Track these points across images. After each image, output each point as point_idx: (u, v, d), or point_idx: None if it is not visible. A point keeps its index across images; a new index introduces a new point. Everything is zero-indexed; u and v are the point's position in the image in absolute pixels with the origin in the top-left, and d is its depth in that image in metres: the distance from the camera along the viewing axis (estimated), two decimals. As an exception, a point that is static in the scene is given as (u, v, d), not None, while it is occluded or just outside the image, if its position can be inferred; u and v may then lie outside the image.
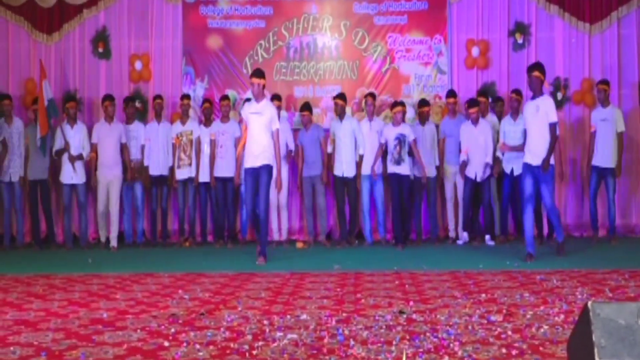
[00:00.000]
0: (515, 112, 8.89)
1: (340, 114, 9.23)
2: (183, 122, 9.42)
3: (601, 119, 9.04)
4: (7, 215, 9.25)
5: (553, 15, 10.01)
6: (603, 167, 9.02)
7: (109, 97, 9.29)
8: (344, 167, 9.20)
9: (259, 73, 7.69)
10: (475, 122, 9.01)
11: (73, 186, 9.19)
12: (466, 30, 10.04)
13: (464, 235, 9.23)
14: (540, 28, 10.04)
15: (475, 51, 9.94)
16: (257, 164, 7.62)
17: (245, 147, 7.73)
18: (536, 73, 7.39)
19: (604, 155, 9.01)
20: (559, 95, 9.86)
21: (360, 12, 10.10)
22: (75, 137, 9.13)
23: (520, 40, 9.98)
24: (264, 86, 7.70)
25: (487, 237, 9.11)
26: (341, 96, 9.37)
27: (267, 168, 7.62)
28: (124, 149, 9.26)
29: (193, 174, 9.37)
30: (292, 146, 9.38)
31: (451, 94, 9.49)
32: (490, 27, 10.04)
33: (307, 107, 9.42)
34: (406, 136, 8.88)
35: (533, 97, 7.50)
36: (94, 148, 9.18)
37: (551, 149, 7.35)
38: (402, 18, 10.04)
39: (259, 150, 7.61)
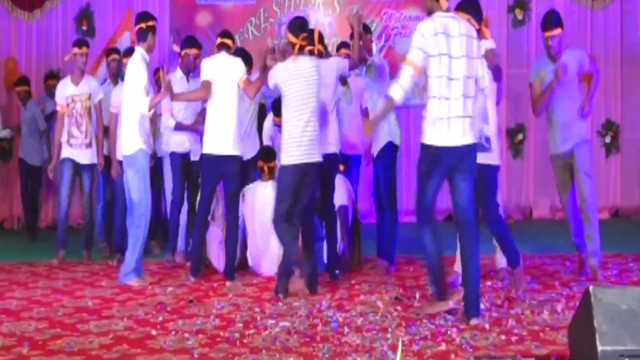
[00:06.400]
0: None
1: None
2: (76, 82, 6.94)
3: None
4: None
5: (554, -11, 9.96)
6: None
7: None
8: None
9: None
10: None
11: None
12: (464, 5, 9.97)
13: None
14: (540, 3, 9.94)
15: (473, 28, 9.89)
16: None
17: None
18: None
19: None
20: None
21: (355, -13, 10.03)
22: None
23: (520, 17, 9.92)
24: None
25: None
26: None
27: None
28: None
29: (94, 159, 6.95)
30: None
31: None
32: (489, 3, 9.92)
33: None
34: None
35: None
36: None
37: None
38: (397, -7, 9.98)
39: None
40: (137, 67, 5.73)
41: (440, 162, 4.39)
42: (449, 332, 4.10)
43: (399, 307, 4.75)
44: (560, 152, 5.72)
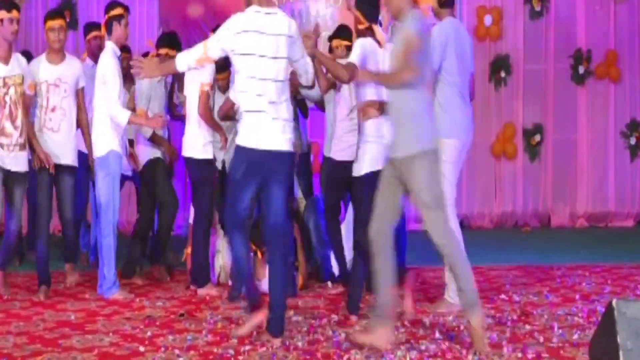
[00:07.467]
0: None
1: None
2: (5, 58, 5.59)
3: None
4: None
5: (574, -21, 9.98)
6: None
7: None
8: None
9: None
10: None
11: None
12: (477, -4, 9.99)
13: None
14: (559, -7, 10.01)
15: (487, 20, 9.89)
16: None
17: None
18: None
19: None
20: (581, 69, 9.83)
21: (359, -24, 10.05)
22: None
23: (537, 8, 9.93)
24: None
25: None
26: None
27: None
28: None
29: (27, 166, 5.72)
30: None
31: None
32: (504, -7, 9.99)
33: None
34: None
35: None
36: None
37: None
38: (405, -18, 9.99)
39: None
40: (107, 62, 5.69)
41: (257, 167, 4.32)
42: (460, 350, 4.10)
43: (406, 322, 4.75)
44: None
